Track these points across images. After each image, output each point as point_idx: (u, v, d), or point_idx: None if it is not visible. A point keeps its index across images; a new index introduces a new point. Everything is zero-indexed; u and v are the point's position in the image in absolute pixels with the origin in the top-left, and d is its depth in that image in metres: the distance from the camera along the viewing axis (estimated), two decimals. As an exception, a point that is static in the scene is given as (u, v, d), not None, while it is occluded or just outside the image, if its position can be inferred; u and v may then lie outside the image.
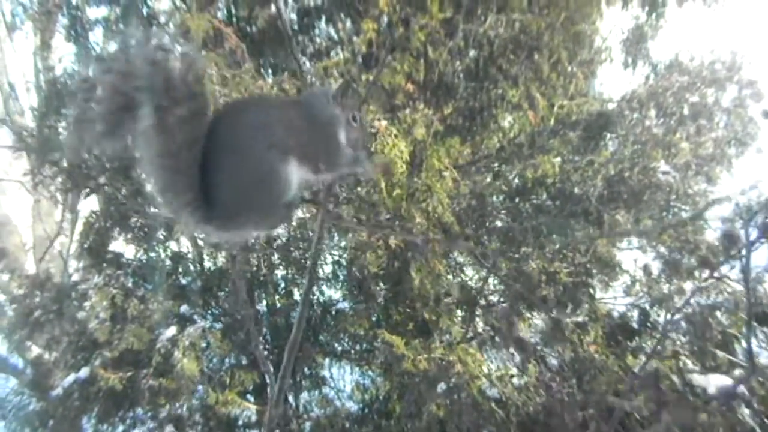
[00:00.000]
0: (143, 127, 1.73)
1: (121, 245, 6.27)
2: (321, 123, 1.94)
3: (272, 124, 1.84)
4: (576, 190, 5.20)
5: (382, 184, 4.73)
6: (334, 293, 6.26)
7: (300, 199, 1.95)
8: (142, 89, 1.71)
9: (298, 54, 2.55)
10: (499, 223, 6.11)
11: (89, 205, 6.30)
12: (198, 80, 1.81)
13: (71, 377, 5.44)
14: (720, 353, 5.13)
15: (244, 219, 1.88)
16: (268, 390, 4.24)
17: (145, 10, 5.75)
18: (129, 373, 5.21)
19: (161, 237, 6.00)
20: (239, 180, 1.81)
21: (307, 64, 5.31)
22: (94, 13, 5.86)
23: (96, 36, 5.90)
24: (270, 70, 5.52)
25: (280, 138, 1.82)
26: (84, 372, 5.36)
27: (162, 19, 5.77)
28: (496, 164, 6.16)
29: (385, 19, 4.68)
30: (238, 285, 4.87)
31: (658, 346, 5.24)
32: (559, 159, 5.51)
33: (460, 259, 6.50)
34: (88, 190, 6.05)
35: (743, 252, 3.91)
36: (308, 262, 4.94)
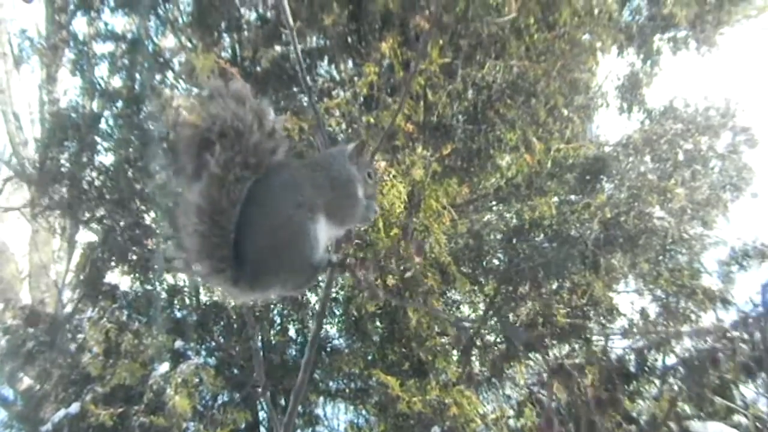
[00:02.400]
0: (205, 176, 1.79)
1: (117, 277, 6.26)
2: (342, 182, 2.02)
3: (300, 184, 1.91)
4: (572, 232, 5.23)
5: (380, 224, 4.76)
6: (329, 329, 6.22)
7: (328, 262, 1.98)
8: (223, 133, 1.80)
9: (314, 97, 2.62)
10: (496, 262, 6.13)
11: (86, 236, 6.31)
12: (271, 135, 1.91)
13: (62, 412, 5.36)
14: (718, 399, 5.09)
15: (272, 278, 1.91)
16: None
17: (151, 47, 5.85)
18: (120, 410, 5.13)
19: (158, 269, 5.99)
20: (268, 238, 1.86)
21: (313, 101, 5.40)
22: (101, 48, 5.97)
23: (101, 70, 6.00)
24: (272, 108, 5.62)
25: (307, 197, 1.90)
26: (74, 407, 5.28)
27: (167, 56, 5.89)
28: (493, 203, 6.22)
29: (386, 62, 4.78)
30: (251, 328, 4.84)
31: (656, 391, 5.21)
32: (556, 199, 5.56)
33: (457, 297, 6.49)
34: (86, 221, 6.10)
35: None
36: (307, 306, 4.94)
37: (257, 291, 1.95)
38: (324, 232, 1.94)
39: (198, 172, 1.81)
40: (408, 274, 4.69)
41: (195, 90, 5.26)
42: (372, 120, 4.57)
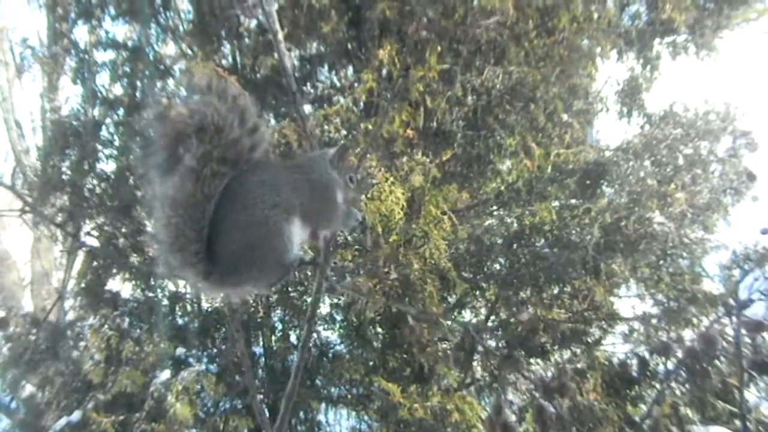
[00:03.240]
0: (181, 169, 1.80)
1: (118, 284, 6.27)
2: (321, 186, 2.03)
3: (278, 185, 1.92)
4: (573, 237, 5.23)
5: (380, 230, 4.77)
6: (331, 335, 6.21)
7: (299, 260, 2.00)
8: (201, 127, 1.80)
9: (302, 108, 2.63)
10: (497, 267, 6.12)
11: (88, 243, 6.31)
12: (252, 132, 1.92)
13: (63, 420, 5.36)
14: (720, 403, 5.07)
15: (243, 275, 1.93)
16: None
17: (151, 55, 5.88)
18: (122, 417, 5.13)
19: (159, 276, 5.99)
20: (242, 236, 1.87)
21: (309, 108, 5.43)
22: (102, 56, 6.01)
23: (102, 78, 6.03)
24: (272, 114, 5.64)
25: (284, 198, 1.91)
26: (76, 415, 5.28)
27: (168, 64, 5.91)
28: (494, 208, 6.22)
29: (385, 69, 4.79)
30: (234, 331, 4.85)
31: (658, 395, 5.19)
32: (556, 204, 5.56)
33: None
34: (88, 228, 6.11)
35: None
36: (307, 312, 4.92)
37: (228, 286, 1.97)
38: (299, 234, 1.96)
39: (174, 165, 1.82)
40: (389, 280, 4.66)
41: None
42: (371, 126, 4.58)
